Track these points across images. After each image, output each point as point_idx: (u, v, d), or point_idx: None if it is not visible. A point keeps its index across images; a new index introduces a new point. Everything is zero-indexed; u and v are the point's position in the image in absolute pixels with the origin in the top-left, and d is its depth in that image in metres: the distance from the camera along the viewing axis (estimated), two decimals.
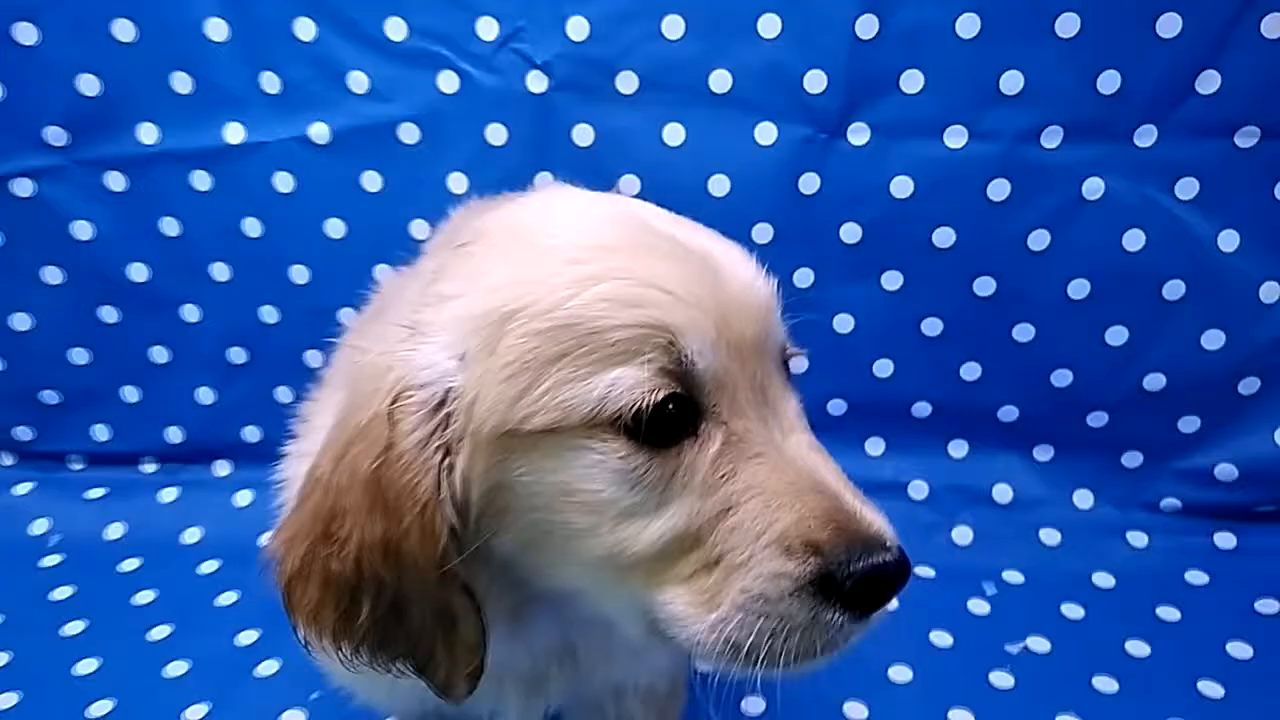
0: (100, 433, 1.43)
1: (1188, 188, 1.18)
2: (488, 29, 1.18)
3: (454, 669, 0.59)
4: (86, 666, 1.16)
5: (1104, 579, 1.25)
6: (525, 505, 0.57)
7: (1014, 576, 1.27)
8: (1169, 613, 1.19)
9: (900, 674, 1.11)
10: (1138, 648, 1.14)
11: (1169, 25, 1.11)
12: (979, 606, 1.21)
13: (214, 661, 1.16)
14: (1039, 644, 1.15)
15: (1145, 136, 1.17)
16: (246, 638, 1.19)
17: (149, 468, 1.45)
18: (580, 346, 0.54)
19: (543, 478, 0.56)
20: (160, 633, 1.20)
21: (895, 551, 0.53)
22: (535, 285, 0.56)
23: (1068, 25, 1.13)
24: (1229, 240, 1.20)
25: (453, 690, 0.60)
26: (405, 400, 0.56)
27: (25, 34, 1.20)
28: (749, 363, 0.57)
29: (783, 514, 0.54)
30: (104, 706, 1.10)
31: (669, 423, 0.55)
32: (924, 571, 1.26)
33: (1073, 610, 1.21)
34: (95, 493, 1.42)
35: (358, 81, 1.22)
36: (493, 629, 0.59)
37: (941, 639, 1.16)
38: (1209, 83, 1.13)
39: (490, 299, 0.56)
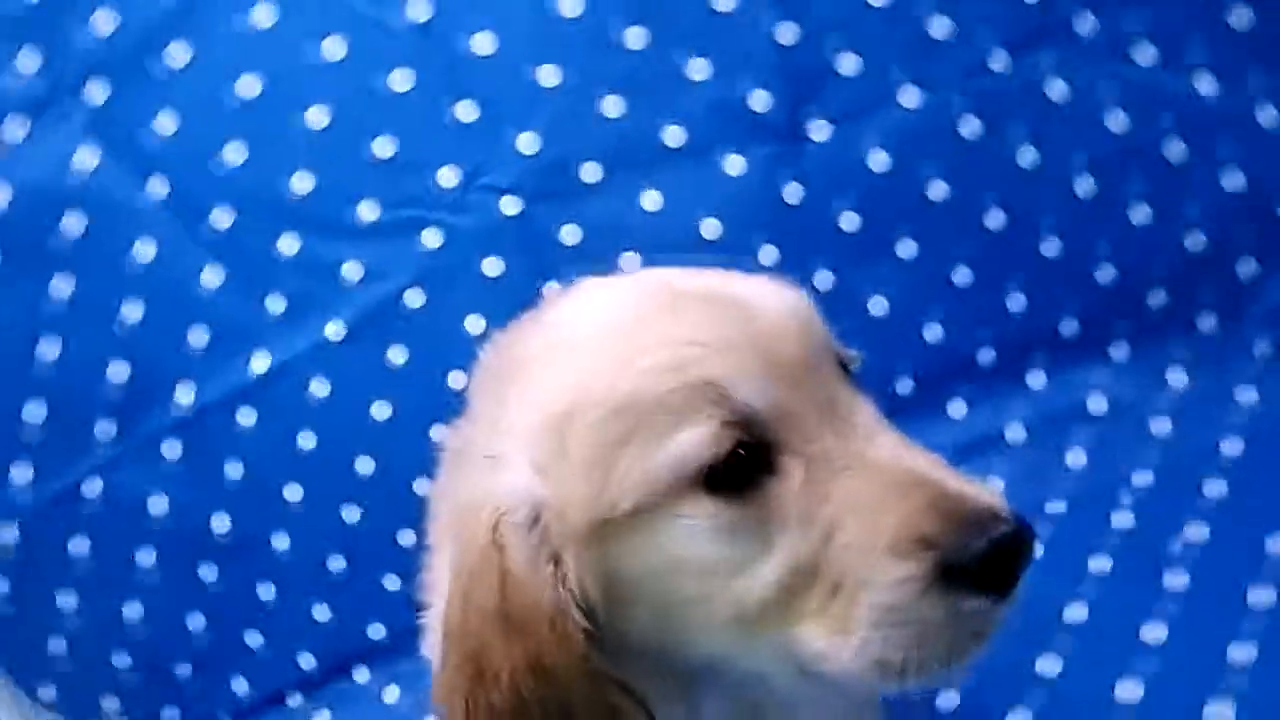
0: (240, 686, 1.46)
1: (1145, 53, 1.20)
2: (449, 177, 1.24)
3: None
4: None
5: (1232, 446, 1.23)
6: (641, 588, 0.58)
7: (1143, 479, 1.25)
8: None
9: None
10: None
11: None
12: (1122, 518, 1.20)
13: None
14: (1198, 532, 1.13)
15: (1083, 23, 1.19)
16: None
17: (294, 701, 1.47)
18: (640, 423, 0.56)
19: (647, 558, 0.57)
20: None
21: (1010, 520, 0.52)
22: (584, 378, 0.58)
23: None
24: (1207, 84, 1.20)
25: None
26: (504, 527, 0.58)
27: (48, 348, 1.27)
28: (805, 384, 0.57)
29: (886, 519, 0.53)
30: None
31: (744, 469, 0.55)
32: (1055, 507, 1.25)
33: (1214, 487, 1.19)
34: None
35: (352, 271, 1.28)
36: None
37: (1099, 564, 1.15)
38: None
39: (548, 407, 0.59)
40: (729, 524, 0.56)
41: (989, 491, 0.54)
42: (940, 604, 0.52)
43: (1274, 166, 1.24)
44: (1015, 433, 1.34)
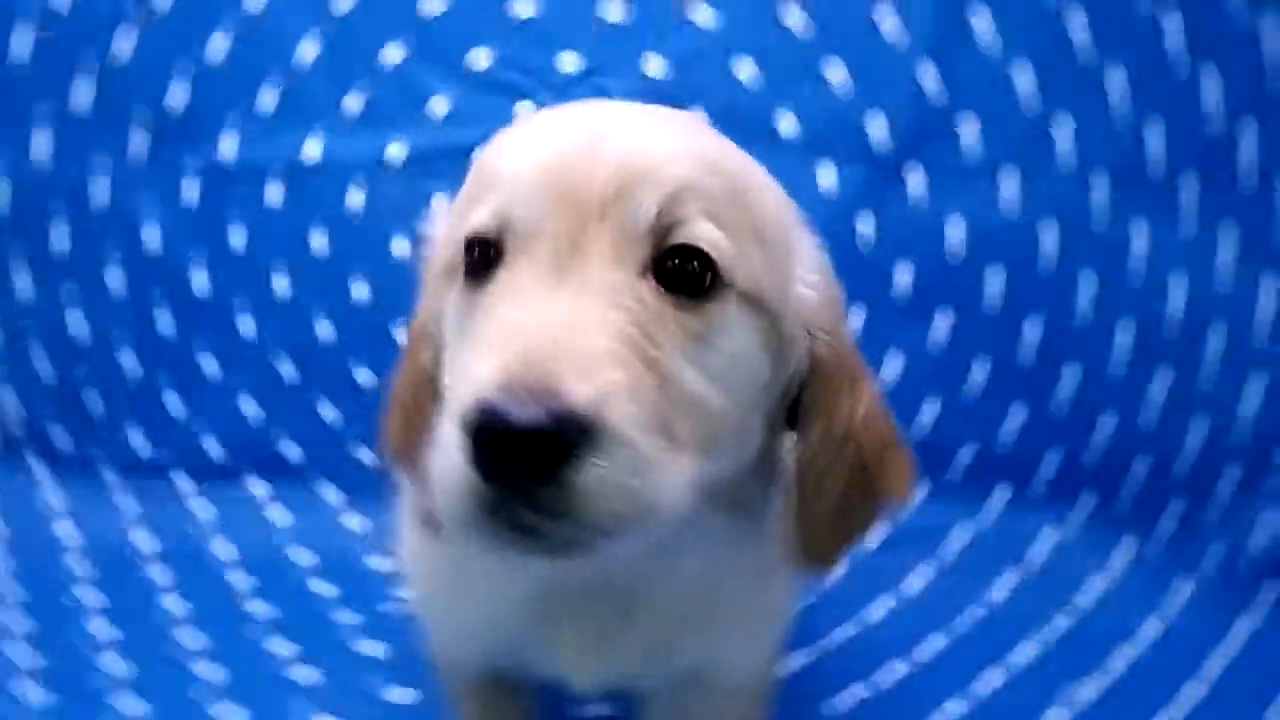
0: (135, 440, 1.45)
1: (1229, 235, 1.25)
2: (569, 63, 1.27)
3: None
4: (113, 663, 1.15)
5: (1151, 628, 1.27)
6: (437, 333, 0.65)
7: (1061, 620, 1.27)
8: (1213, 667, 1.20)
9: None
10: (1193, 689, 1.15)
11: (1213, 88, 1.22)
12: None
13: (248, 669, 1.15)
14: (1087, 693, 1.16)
15: (1190, 186, 1.25)
16: (280, 647, 1.18)
17: (184, 483, 1.46)
18: (475, 190, 0.61)
19: (444, 309, 0.63)
20: (191, 639, 1.19)
21: (482, 413, 0.46)
22: (484, 154, 0.63)
23: (1116, 79, 1.22)
24: (1269, 291, 1.26)
25: None
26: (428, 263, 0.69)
27: (122, 41, 1.28)
28: (573, 219, 0.55)
29: (476, 364, 0.50)
30: (137, 707, 1.09)
31: (483, 263, 0.58)
32: (969, 618, 1.27)
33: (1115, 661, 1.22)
34: (126, 502, 1.42)
35: (438, 105, 1.30)
36: None
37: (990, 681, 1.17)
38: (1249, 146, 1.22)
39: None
40: (455, 302, 0.60)
41: (499, 371, 0.48)
42: (463, 479, 0.48)
43: None
44: (958, 539, 1.37)
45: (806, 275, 0.63)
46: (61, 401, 1.43)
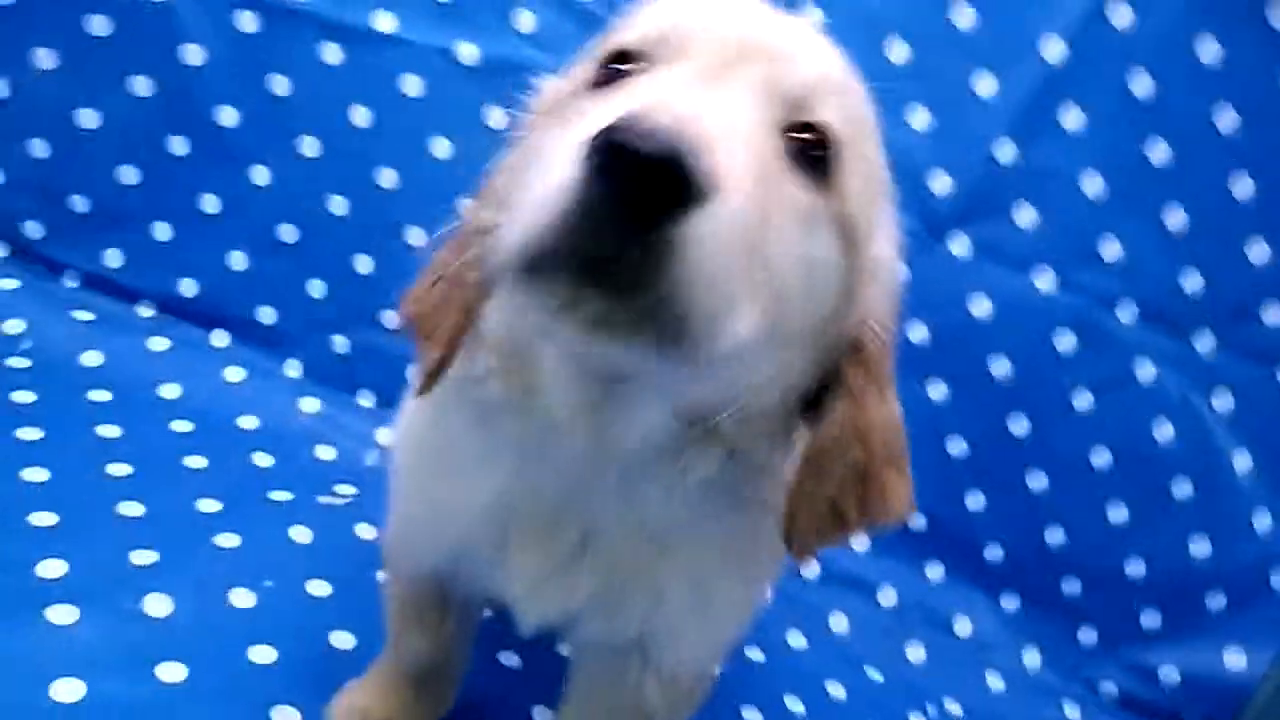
0: (111, 258, 1.39)
1: (1224, 401, 1.30)
2: None
3: None
4: (36, 474, 1.11)
5: None
6: None
7: (954, 708, 1.31)
8: None
9: None
10: None
11: (1259, 254, 1.24)
12: None
13: (171, 515, 1.12)
14: None
15: (1204, 342, 1.28)
16: (208, 505, 1.16)
17: (146, 311, 1.41)
18: (618, 26, 0.61)
19: None
20: (119, 469, 1.16)
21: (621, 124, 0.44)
22: None
23: (1176, 218, 1.25)
24: (1243, 461, 1.31)
25: None
26: None
27: None
28: (732, 52, 0.55)
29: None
30: (48, 518, 1.06)
31: (619, 75, 0.58)
32: (873, 674, 1.30)
33: None
34: (83, 315, 1.38)
35: (524, 21, 1.27)
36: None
37: None
38: (1274, 315, 1.26)
39: None
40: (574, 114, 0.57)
41: (634, 109, 0.45)
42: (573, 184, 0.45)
43: (1234, 563, 1.34)
44: (887, 597, 1.40)
45: (884, 248, 0.62)
46: (46, 194, 1.37)
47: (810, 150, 0.56)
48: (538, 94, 0.67)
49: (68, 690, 0.89)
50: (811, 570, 1.37)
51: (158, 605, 1.00)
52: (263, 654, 0.99)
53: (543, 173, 0.48)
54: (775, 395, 0.60)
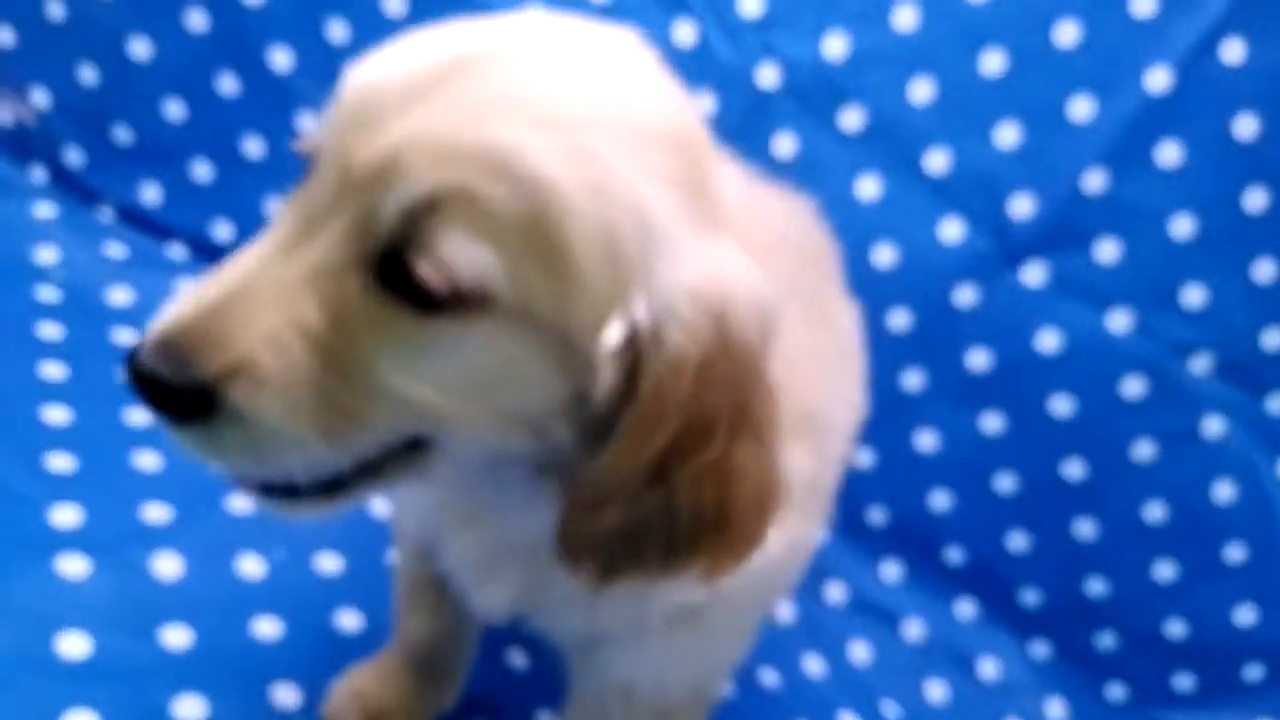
0: (149, 193, 1.40)
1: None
2: (751, 7, 1.22)
3: None
4: (57, 414, 1.12)
5: None
6: None
7: None
8: None
9: None
10: None
11: None
12: None
13: (185, 472, 1.12)
14: None
15: (1277, 403, 1.25)
16: (138, 416, 1.16)
17: (178, 250, 1.41)
18: None
19: None
20: (138, 417, 1.17)
21: (137, 353, 0.52)
22: None
23: (1263, 271, 1.21)
24: None
25: None
26: None
27: None
28: (340, 177, 0.52)
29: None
30: (65, 461, 1.07)
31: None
32: (889, 709, 1.30)
33: None
34: (116, 248, 1.38)
35: None
36: None
37: None
38: None
39: None
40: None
41: (168, 315, 0.53)
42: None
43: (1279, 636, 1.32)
44: (911, 630, 1.39)
45: (663, 299, 0.53)
46: (90, 121, 1.38)
47: (419, 281, 0.50)
48: None
49: (73, 644, 0.90)
50: (836, 596, 1.36)
51: (167, 565, 1.01)
52: (268, 627, 1.00)
53: None
54: (544, 445, 0.58)
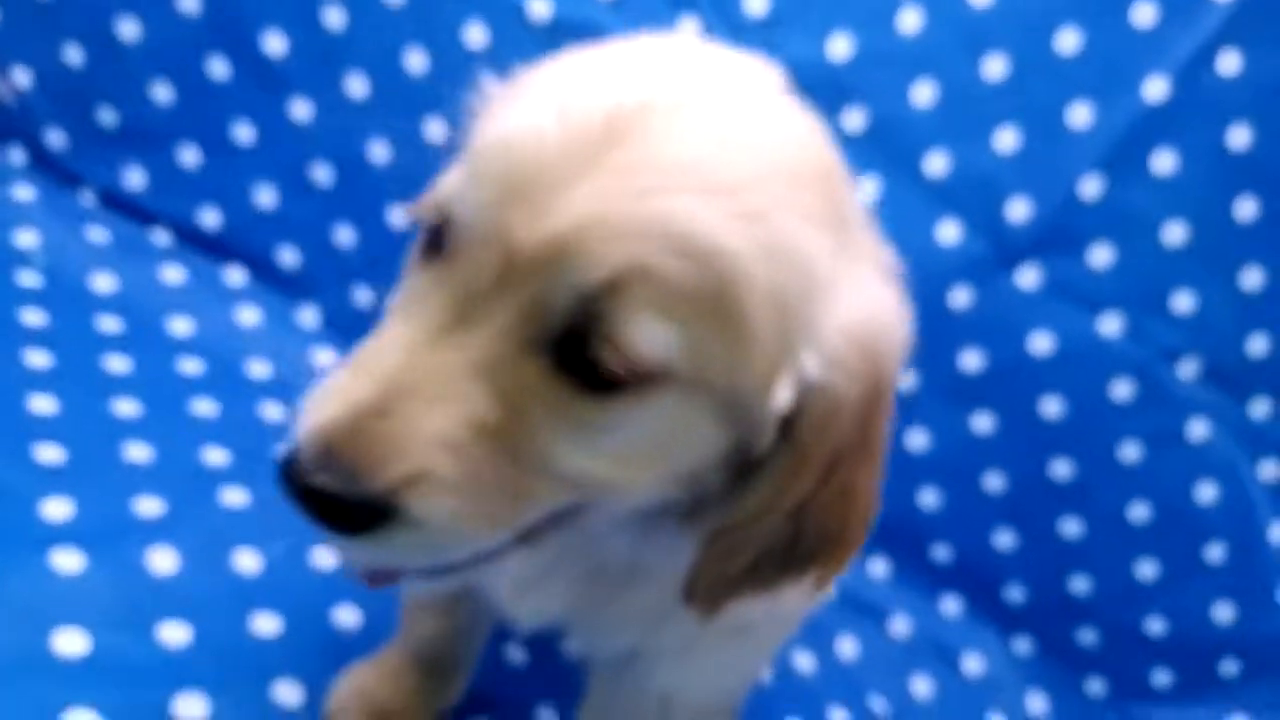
0: (133, 177, 1.37)
1: (1271, 470, 1.31)
2: (757, 6, 1.23)
3: None
4: (43, 404, 1.10)
5: None
6: None
7: None
8: None
9: None
10: None
11: None
12: None
13: (177, 463, 1.12)
14: None
15: (1260, 407, 1.29)
16: (216, 456, 1.15)
17: (163, 237, 1.39)
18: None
19: None
20: (127, 407, 1.16)
21: (291, 460, 0.49)
22: None
23: (1251, 279, 1.25)
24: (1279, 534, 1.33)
25: None
26: None
27: None
28: (501, 258, 0.50)
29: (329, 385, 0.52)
30: (54, 453, 1.05)
31: (436, 245, 0.55)
32: (876, 704, 1.32)
33: None
34: (98, 233, 1.36)
35: None
36: None
37: None
38: None
39: None
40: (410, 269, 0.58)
41: (314, 411, 0.50)
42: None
43: (1256, 633, 1.36)
44: (898, 626, 1.42)
45: (826, 347, 0.54)
46: (73, 103, 1.35)
47: (601, 364, 0.50)
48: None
49: (70, 642, 0.89)
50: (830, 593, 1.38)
51: (162, 560, 1.00)
52: (267, 623, 1.00)
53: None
54: (708, 485, 0.59)
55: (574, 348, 0.50)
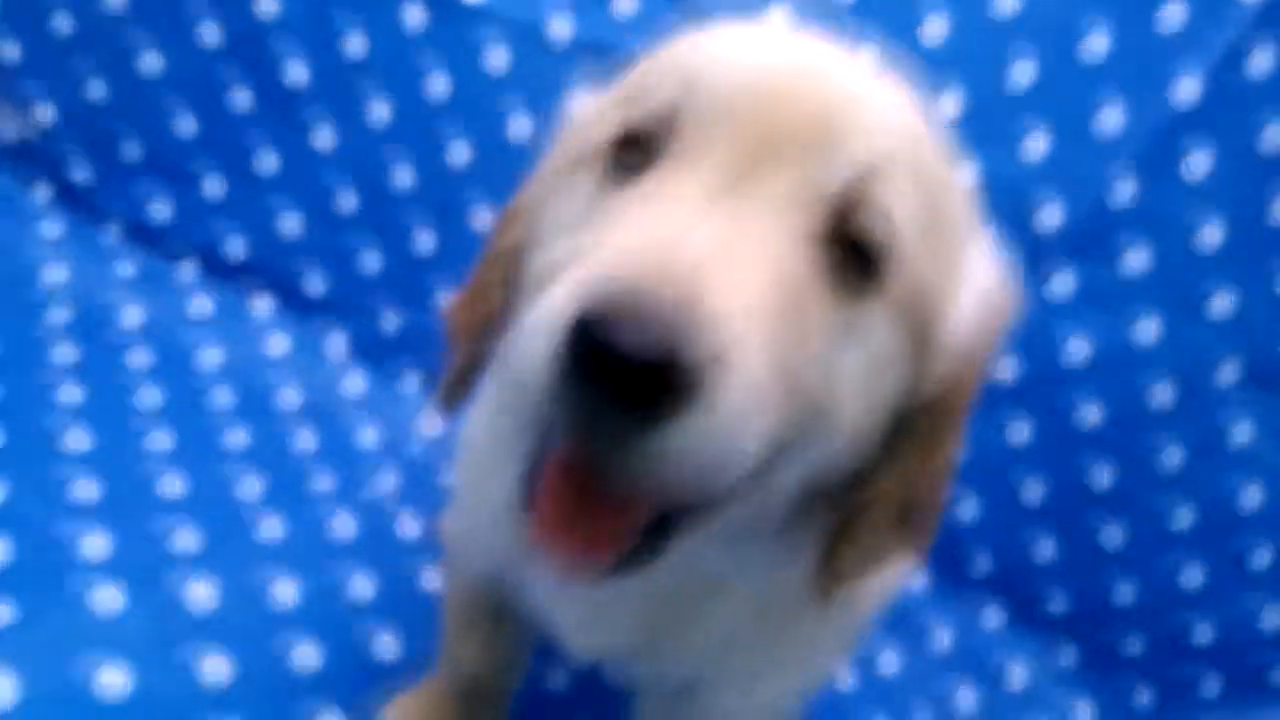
0: (159, 210, 1.38)
1: None
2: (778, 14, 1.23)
3: None
4: (78, 441, 1.11)
5: None
6: None
7: None
8: None
9: None
10: None
11: None
12: None
13: (212, 497, 1.13)
14: None
15: None
16: (249, 488, 1.16)
17: (189, 269, 1.40)
18: (643, 81, 0.58)
19: None
20: (160, 442, 1.16)
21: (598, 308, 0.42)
22: None
23: None
24: None
25: None
26: None
27: None
28: (757, 145, 0.50)
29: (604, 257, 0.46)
30: (90, 489, 1.06)
31: (636, 160, 0.54)
32: (919, 718, 1.31)
33: None
34: (125, 268, 1.37)
35: (623, 3, 1.25)
36: None
37: None
38: None
39: None
40: (585, 196, 0.57)
41: (627, 285, 0.43)
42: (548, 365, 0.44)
43: None
44: (939, 641, 1.41)
45: (974, 286, 0.58)
46: (98, 138, 1.36)
47: (862, 253, 0.52)
48: (569, 122, 0.65)
49: (112, 679, 0.89)
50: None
51: (201, 593, 1.01)
52: (306, 656, 1.00)
53: (535, 309, 0.45)
54: (839, 472, 0.58)
55: (839, 238, 0.51)
